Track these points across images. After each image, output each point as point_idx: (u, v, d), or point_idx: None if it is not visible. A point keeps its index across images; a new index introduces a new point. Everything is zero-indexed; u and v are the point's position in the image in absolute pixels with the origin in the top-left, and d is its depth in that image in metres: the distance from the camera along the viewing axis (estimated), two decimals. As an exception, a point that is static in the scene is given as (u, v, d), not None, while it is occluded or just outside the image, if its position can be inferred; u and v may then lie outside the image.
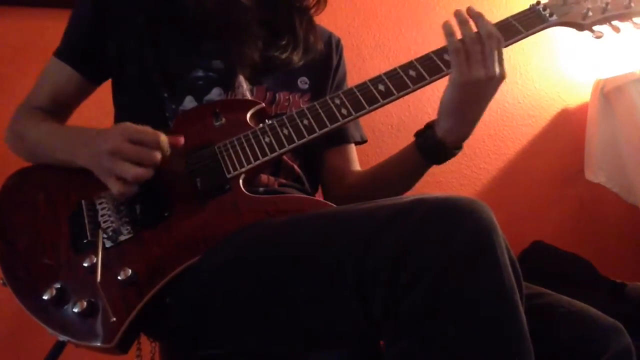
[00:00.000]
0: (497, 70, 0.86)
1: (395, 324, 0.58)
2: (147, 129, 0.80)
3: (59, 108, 1.04)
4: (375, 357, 0.93)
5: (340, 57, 1.18)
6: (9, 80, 1.55)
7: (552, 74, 2.05)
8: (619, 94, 1.80)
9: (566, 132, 2.06)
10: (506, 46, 0.91)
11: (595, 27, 0.97)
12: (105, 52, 0.99)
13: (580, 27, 0.98)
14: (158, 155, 0.79)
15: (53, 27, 1.58)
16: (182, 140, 0.85)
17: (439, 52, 0.91)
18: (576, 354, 0.75)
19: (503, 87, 2.05)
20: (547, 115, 2.06)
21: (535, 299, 0.79)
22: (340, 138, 1.14)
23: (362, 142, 1.19)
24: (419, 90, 0.91)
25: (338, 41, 1.19)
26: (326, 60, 1.13)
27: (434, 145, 0.94)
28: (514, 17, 0.95)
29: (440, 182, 1.94)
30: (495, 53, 0.86)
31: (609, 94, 1.84)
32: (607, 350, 0.74)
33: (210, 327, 0.78)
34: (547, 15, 0.96)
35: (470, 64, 0.85)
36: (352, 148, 1.18)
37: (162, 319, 0.79)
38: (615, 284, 1.69)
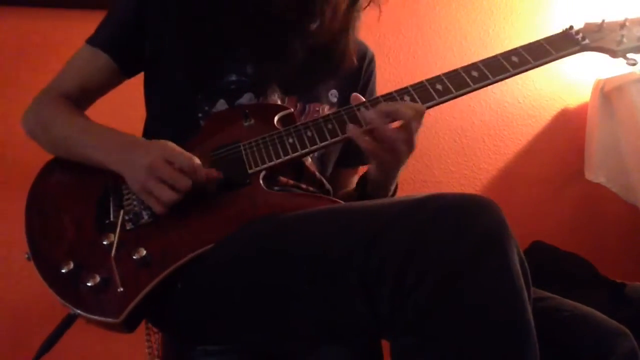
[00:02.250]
0: (409, 140, 0.86)
1: (400, 322, 0.58)
2: (184, 153, 0.83)
3: (85, 96, 1.04)
4: (377, 355, 0.93)
5: (371, 74, 1.18)
6: (10, 80, 1.55)
7: (552, 74, 2.04)
8: (619, 94, 1.80)
9: (566, 132, 2.06)
10: (536, 67, 0.92)
11: (629, 55, 0.97)
12: (142, 49, 1.00)
13: (613, 54, 0.97)
14: (190, 183, 0.81)
15: (54, 27, 1.59)
16: (217, 174, 0.85)
17: (467, 69, 0.92)
18: (580, 358, 0.76)
19: (503, 87, 2.07)
20: (547, 115, 2.06)
21: (539, 302, 0.78)
22: (356, 160, 1.16)
23: None
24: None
25: (372, 58, 1.18)
26: (356, 75, 1.14)
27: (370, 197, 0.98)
28: (545, 39, 0.95)
29: (440, 182, 1.94)
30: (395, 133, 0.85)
31: (609, 94, 1.84)
32: (612, 354, 0.74)
33: (214, 320, 0.80)
34: (580, 39, 0.95)
35: (386, 149, 0.86)
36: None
37: (170, 308, 0.82)
38: (615, 284, 1.68)
